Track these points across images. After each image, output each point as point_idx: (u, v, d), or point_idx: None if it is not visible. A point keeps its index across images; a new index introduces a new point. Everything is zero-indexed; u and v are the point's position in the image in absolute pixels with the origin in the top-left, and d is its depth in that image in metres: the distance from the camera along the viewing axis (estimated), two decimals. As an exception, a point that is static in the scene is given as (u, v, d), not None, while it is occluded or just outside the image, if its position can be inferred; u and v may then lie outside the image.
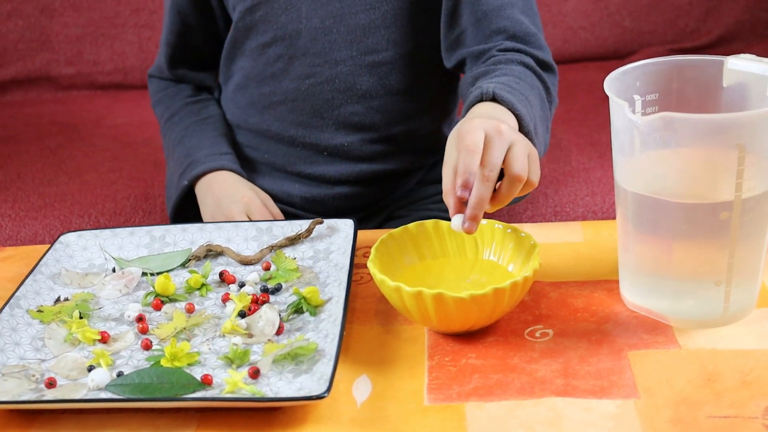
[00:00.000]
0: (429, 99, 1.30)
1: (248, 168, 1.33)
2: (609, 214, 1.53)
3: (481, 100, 1.02)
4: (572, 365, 0.88)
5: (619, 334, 0.92)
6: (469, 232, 0.91)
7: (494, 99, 1.02)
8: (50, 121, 1.91)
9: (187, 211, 1.31)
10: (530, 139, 1.02)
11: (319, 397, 0.81)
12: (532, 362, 0.89)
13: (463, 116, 1.02)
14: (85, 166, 1.69)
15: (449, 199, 0.92)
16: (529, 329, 0.94)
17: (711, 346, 0.89)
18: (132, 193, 1.59)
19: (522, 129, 1.01)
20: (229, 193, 1.25)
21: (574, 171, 1.61)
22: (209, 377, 0.86)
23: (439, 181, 1.37)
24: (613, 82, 0.92)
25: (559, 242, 1.09)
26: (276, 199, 1.32)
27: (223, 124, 1.34)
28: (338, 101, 1.26)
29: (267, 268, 1.05)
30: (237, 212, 1.23)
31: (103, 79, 2.05)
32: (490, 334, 0.93)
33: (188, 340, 0.93)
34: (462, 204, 0.91)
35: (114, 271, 1.06)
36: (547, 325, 0.94)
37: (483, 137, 0.90)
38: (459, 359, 0.90)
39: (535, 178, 0.94)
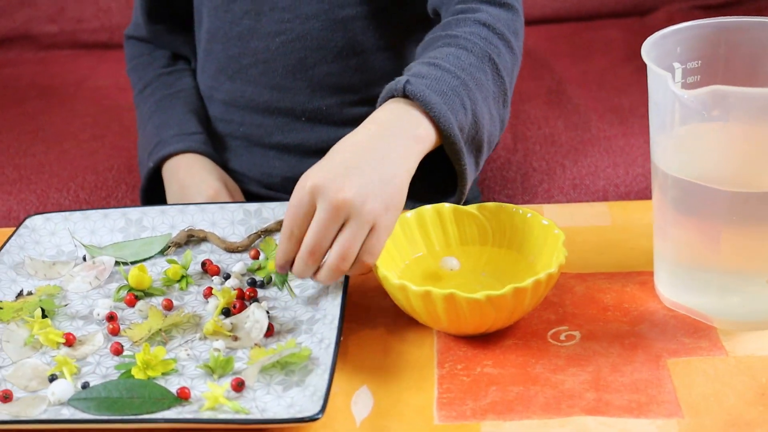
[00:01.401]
0: (412, 57, 1.18)
1: (222, 147, 1.22)
2: (633, 187, 1.41)
3: (392, 96, 0.88)
4: (603, 375, 0.77)
5: (655, 338, 0.81)
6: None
7: (405, 95, 0.86)
8: (29, 83, 1.78)
9: (159, 193, 1.20)
10: (452, 144, 0.87)
11: (312, 419, 0.69)
12: (557, 371, 0.78)
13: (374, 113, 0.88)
14: (65, 133, 1.57)
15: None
16: (553, 331, 0.82)
17: (763, 353, 0.78)
18: (115, 164, 1.47)
19: (441, 133, 0.86)
20: (195, 182, 1.14)
21: (594, 139, 1.50)
22: (186, 391, 0.75)
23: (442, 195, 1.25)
24: (652, 48, 0.80)
25: (584, 226, 0.97)
26: (254, 181, 1.21)
27: (195, 98, 1.24)
28: (311, 60, 1.15)
29: (255, 257, 0.93)
30: None
31: (87, 38, 1.93)
32: (508, 337, 0.82)
33: (164, 344, 0.82)
34: None
35: (84, 260, 0.94)
36: (573, 326, 0.83)
37: (307, 212, 0.80)
38: (473, 367, 0.79)
39: (370, 258, 0.80)
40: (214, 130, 1.23)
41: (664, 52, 0.82)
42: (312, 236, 0.79)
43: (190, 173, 1.16)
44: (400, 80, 0.87)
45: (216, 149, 1.21)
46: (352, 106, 1.17)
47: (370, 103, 1.16)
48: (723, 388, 0.75)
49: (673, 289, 0.84)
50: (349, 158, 0.81)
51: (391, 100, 0.87)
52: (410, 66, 0.92)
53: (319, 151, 1.18)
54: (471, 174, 0.92)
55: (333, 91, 1.16)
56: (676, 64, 0.83)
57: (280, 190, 1.21)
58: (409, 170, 0.83)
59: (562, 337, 0.81)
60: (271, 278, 0.89)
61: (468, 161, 0.90)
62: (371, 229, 0.79)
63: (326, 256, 0.80)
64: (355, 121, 1.17)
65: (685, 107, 0.76)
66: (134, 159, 1.47)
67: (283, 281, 0.88)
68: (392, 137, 0.83)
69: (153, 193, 1.21)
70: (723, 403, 0.73)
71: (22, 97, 1.73)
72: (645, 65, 0.78)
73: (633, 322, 0.83)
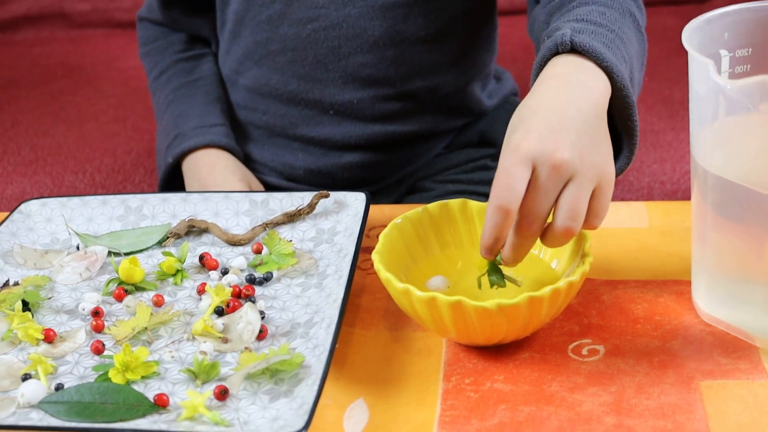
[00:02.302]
0: (456, 50, 1.10)
1: (243, 136, 1.15)
2: (680, 185, 1.32)
3: (557, 53, 0.78)
4: (627, 397, 0.69)
5: (689, 356, 0.72)
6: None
7: (573, 49, 0.78)
8: (59, 62, 1.74)
9: (178, 186, 1.13)
10: (625, 97, 0.78)
11: (294, 437, 0.62)
12: (575, 390, 0.70)
13: (534, 79, 0.79)
14: (87, 114, 1.53)
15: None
16: (575, 344, 0.74)
17: (810, 379, 0.69)
18: (134, 147, 1.42)
19: (614, 85, 0.78)
20: (218, 182, 1.07)
21: (641, 132, 1.40)
22: (165, 397, 0.69)
23: (472, 144, 1.17)
24: (695, 33, 0.72)
25: (618, 227, 0.89)
26: (276, 172, 1.14)
27: (216, 86, 1.16)
28: (345, 50, 1.06)
29: (258, 251, 0.86)
30: None
31: (121, 17, 1.87)
32: (524, 349, 0.74)
33: (149, 344, 0.76)
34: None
35: (78, 249, 0.88)
36: (598, 340, 0.75)
37: (523, 177, 0.69)
38: (483, 382, 0.71)
39: (597, 222, 0.72)
40: (236, 117, 1.16)
41: (709, 38, 0.74)
42: (532, 200, 0.69)
43: (213, 173, 1.09)
44: (564, 34, 0.78)
45: (237, 138, 1.14)
46: (386, 101, 1.10)
47: (404, 98, 1.09)
48: (762, 418, 0.66)
49: (711, 302, 0.76)
50: (548, 117, 0.72)
51: (557, 57, 0.78)
52: (556, 26, 0.82)
53: (347, 148, 1.11)
54: (636, 138, 0.82)
55: (366, 83, 1.08)
56: (723, 52, 0.74)
57: (302, 183, 1.14)
58: (604, 120, 0.74)
59: (584, 352, 0.74)
60: (271, 275, 0.82)
61: (637, 116, 0.81)
62: (596, 189, 0.71)
63: (554, 219, 0.70)
64: (386, 118, 1.10)
65: (730, 99, 0.67)
66: (154, 142, 1.42)
67: (498, 275, 0.75)
68: (577, 88, 0.75)
69: (172, 187, 1.14)
70: (761, 435, 0.65)
71: (49, 76, 1.68)
72: (700, 55, 0.70)
73: (665, 337, 0.74)
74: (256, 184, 1.11)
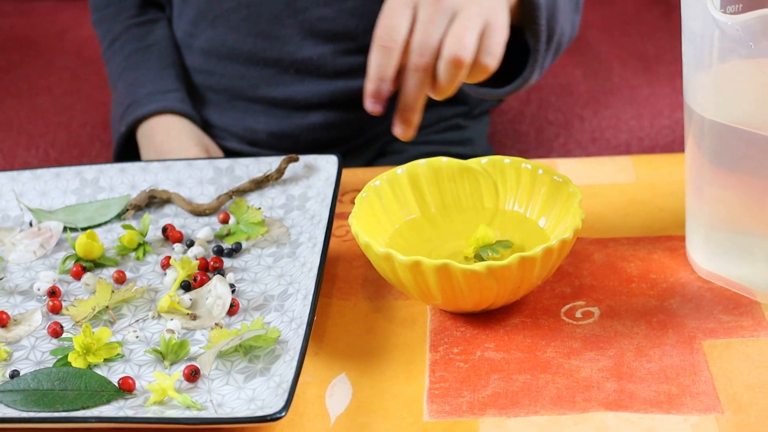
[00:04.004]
0: None
1: (201, 101, 1.09)
2: (659, 141, 1.29)
3: None
4: (627, 361, 0.64)
5: (688, 315, 0.68)
6: (403, 138, 0.70)
7: None
8: (8, 36, 1.66)
9: (134, 157, 1.08)
10: (532, 11, 0.78)
11: (274, 419, 0.57)
12: (571, 356, 0.65)
13: None
14: (39, 87, 1.46)
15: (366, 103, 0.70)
16: (568, 307, 0.70)
17: (818, 334, 0.65)
18: (89, 120, 1.36)
19: None
20: (174, 148, 1.02)
21: (615, 89, 1.38)
22: (130, 381, 0.63)
23: (442, 102, 1.12)
24: (686, -31, 0.67)
25: (604, 183, 0.84)
26: (237, 137, 1.08)
27: (171, 51, 1.10)
28: (302, 4, 1.01)
29: (224, 221, 0.81)
30: None
31: (72, -14, 1.80)
32: (514, 314, 0.70)
33: (112, 324, 0.70)
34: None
35: (31, 225, 0.82)
36: (591, 302, 0.70)
37: (406, 18, 0.68)
38: (472, 351, 0.66)
39: (490, 59, 0.69)
40: (193, 82, 1.10)
41: (700, -25, 0.69)
42: (418, 32, 0.68)
43: (168, 139, 1.03)
44: None
45: (195, 104, 1.09)
46: (347, 56, 1.04)
47: (367, 52, 1.03)
48: (771, 377, 0.62)
49: (709, 257, 0.71)
50: None
51: None
52: None
53: (310, 107, 1.06)
54: (542, 56, 0.80)
55: (326, 38, 1.03)
56: (715, -10, 0.70)
57: (265, 147, 1.08)
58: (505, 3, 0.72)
59: (578, 315, 0.69)
60: (240, 246, 0.77)
61: (544, 32, 0.79)
62: (485, 27, 0.69)
63: (441, 49, 0.68)
64: (350, 73, 1.04)
65: (728, 38, 0.62)
66: (110, 114, 1.36)
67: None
68: None
69: (127, 159, 1.08)
70: (772, 396, 0.61)
71: (-3, 49, 1.61)
72: (672, 8, 0.65)
73: (662, 296, 0.70)
74: (215, 150, 1.06)
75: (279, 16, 1.02)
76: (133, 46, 1.11)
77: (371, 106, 0.69)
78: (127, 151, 1.08)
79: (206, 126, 1.09)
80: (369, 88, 0.69)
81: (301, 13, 1.02)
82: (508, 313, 0.70)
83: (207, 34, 1.06)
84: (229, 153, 1.08)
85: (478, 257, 0.70)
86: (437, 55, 0.68)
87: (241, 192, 0.83)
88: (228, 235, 0.79)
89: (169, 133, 1.03)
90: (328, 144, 1.07)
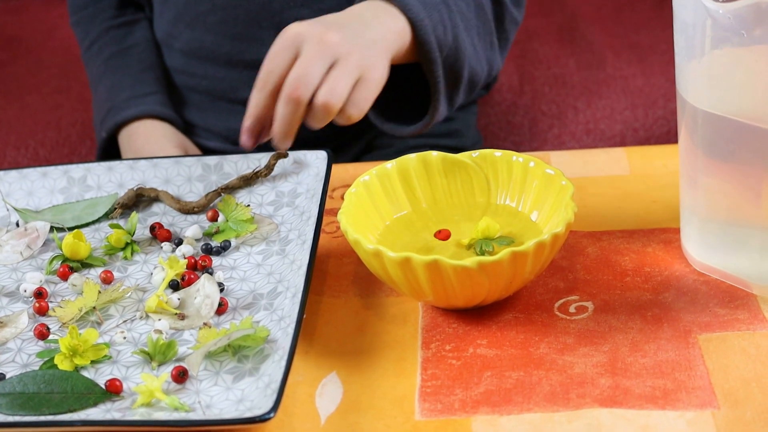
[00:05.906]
0: None
1: (183, 102, 1.08)
2: (653, 131, 1.28)
3: None
4: (622, 356, 0.64)
5: (684, 308, 0.67)
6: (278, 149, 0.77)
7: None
8: (-4, 33, 1.65)
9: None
10: (428, 53, 0.82)
11: (262, 420, 0.57)
12: (565, 352, 0.64)
13: None
14: (29, 85, 1.44)
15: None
16: (561, 302, 0.69)
17: (815, 326, 0.64)
18: (79, 119, 1.35)
19: (417, 38, 0.81)
20: (153, 151, 1.02)
21: (609, 79, 1.36)
22: (117, 383, 0.62)
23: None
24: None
25: (598, 175, 0.83)
26: (220, 137, 1.07)
27: (150, 52, 1.09)
28: (278, 5, 1.00)
29: (213, 219, 0.80)
30: None
31: (61, -17, 1.79)
32: (507, 309, 0.69)
33: (99, 325, 0.69)
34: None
35: (18, 226, 0.81)
36: (585, 296, 0.69)
37: (287, 60, 0.75)
38: (464, 348, 0.66)
39: (355, 111, 0.75)
40: (174, 82, 1.09)
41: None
42: (297, 70, 0.74)
43: (148, 142, 1.02)
44: None
45: (177, 104, 1.08)
46: None
47: None
48: (767, 371, 0.61)
49: (704, 250, 0.70)
50: (331, 20, 0.78)
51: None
52: None
53: None
54: (443, 101, 0.84)
55: None
56: (706, -22, 0.69)
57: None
58: (389, 49, 0.78)
59: (572, 309, 0.68)
60: (229, 244, 0.76)
61: (442, 81, 0.83)
62: (358, 81, 0.75)
63: (315, 97, 0.74)
64: None
65: (720, 26, 0.61)
66: (99, 113, 1.35)
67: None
68: (372, 19, 0.80)
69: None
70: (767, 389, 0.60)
71: (-14, 48, 1.60)
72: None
73: (657, 289, 0.69)
74: (193, 151, 1.05)
75: (255, 18, 1.01)
76: (112, 48, 1.10)
77: (245, 140, 0.77)
78: (110, 155, 1.07)
79: (189, 126, 1.08)
80: (245, 124, 0.76)
81: (278, 14, 1.01)
82: (501, 308, 0.69)
83: (186, 36, 1.05)
84: (213, 153, 1.07)
85: (473, 247, 0.69)
86: (312, 93, 0.73)
87: (230, 189, 0.82)
88: (217, 233, 0.78)
89: (148, 137, 1.03)
90: (312, 142, 1.06)
